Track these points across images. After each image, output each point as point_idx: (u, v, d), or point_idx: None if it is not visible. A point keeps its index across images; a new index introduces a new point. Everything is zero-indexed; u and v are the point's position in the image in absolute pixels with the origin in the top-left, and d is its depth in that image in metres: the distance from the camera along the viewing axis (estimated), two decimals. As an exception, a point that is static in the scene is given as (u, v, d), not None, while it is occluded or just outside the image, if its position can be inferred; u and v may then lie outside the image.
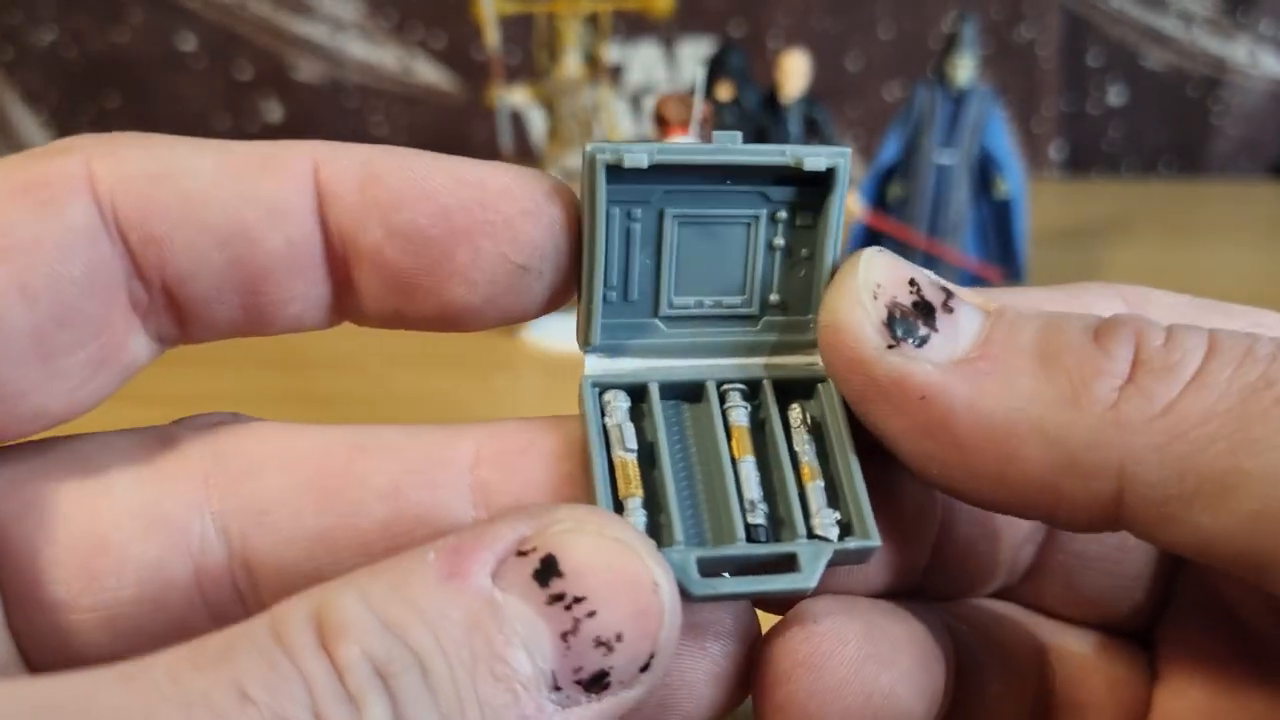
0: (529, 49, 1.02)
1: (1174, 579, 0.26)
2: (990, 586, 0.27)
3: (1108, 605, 0.26)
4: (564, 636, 0.18)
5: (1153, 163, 1.32)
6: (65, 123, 1.29)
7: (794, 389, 0.24)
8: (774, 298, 0.24)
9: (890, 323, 0.21)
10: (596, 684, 0.18)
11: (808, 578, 0.21)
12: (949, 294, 0.22)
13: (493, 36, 0.88)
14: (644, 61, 1.26)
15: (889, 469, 0.24)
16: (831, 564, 0.22)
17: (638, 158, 0.21)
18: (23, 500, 0.21)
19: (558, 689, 0.18)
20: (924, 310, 0.21)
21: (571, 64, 0.90)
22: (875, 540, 0.22)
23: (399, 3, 1.25)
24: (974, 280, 0.84)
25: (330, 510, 0.22)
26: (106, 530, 0.21)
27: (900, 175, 0.85)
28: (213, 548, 0.21)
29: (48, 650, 0.21)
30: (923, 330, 0.21)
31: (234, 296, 0.21)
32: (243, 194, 0.21)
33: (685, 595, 0.20)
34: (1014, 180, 0.83)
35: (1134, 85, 1.28)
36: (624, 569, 0.18)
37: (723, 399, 0.24)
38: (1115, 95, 1.29)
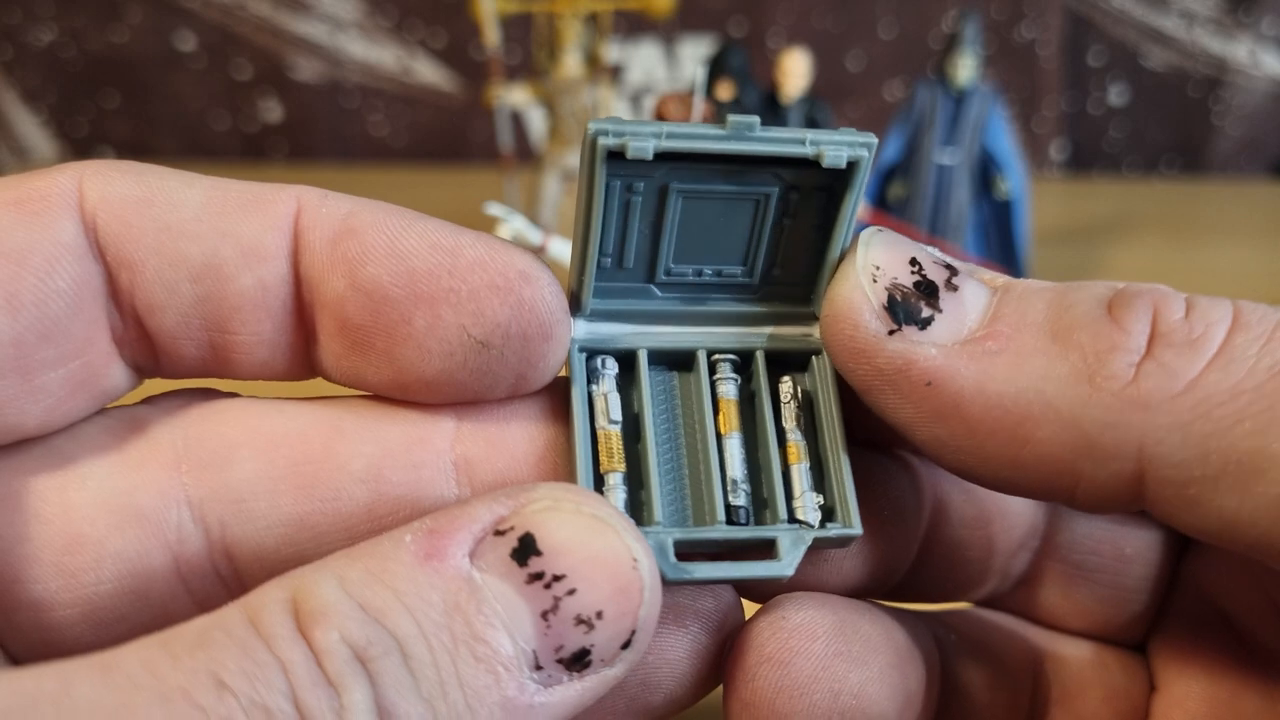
0: (529, 48, 1.01)
1: (1171, 589, 0.26)
2: (980, 591, 0.26)
3: (1104, 615, 0.26)
4: (544, 615, 0.18)
5: (1154, 162, 1.31)
6: (64, 122, 1.29)
7: (788, 360, 0.23)
8: (776, 271, 0.23)
9: (891, 306, 0.20)
10: (578, 662, 0.18)
11: (786, 565, 0.21)
12: (953, 271, 0.21)
13: (492, 36, 0.88)
14: (644, 61, 1.25)
15: (878, 459, 0.23)
16: (811, 550, 0.21)
17: (642, 147, 0.20)
18: None
19: (539, 668, 0.18)
20: (926, 290, 0.21)
21: (571, 63, 0.90)
22: (857, 528, 0.21)
23: (398, 2, 1.24)
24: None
25: (310, 496, 0.21)
26: (81, 526, 0.20)
27: (901, 175, 0.84)
28: (191, 537, 0.21)
29: (30, 645, 0.21)
30: (926, 311, 0.20)
31: (201, 333, 0.21)
32: (222, 230, 0.20)
33: (660, 577, 0.20)
34: (1015, 180, 0.83)
35: (1135, 85, 1.27)
36: (603, 546, 0.18)
37: (712, 370, 0.23)
38: (1116, 95, 1.28)
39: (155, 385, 0.23)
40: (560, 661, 0.18)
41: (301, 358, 0.22)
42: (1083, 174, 1.32)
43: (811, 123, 0.86)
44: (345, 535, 0.21)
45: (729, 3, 1.24)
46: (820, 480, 0.22)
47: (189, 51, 1.25)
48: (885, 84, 1.27)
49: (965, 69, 0.81)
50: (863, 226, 0.22)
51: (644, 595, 0.18)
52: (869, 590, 0.24)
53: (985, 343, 0.20)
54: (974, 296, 0.21)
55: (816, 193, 0.22)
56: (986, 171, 0.83)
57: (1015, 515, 0.25)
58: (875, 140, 0.21)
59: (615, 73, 1.22)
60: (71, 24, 1.24)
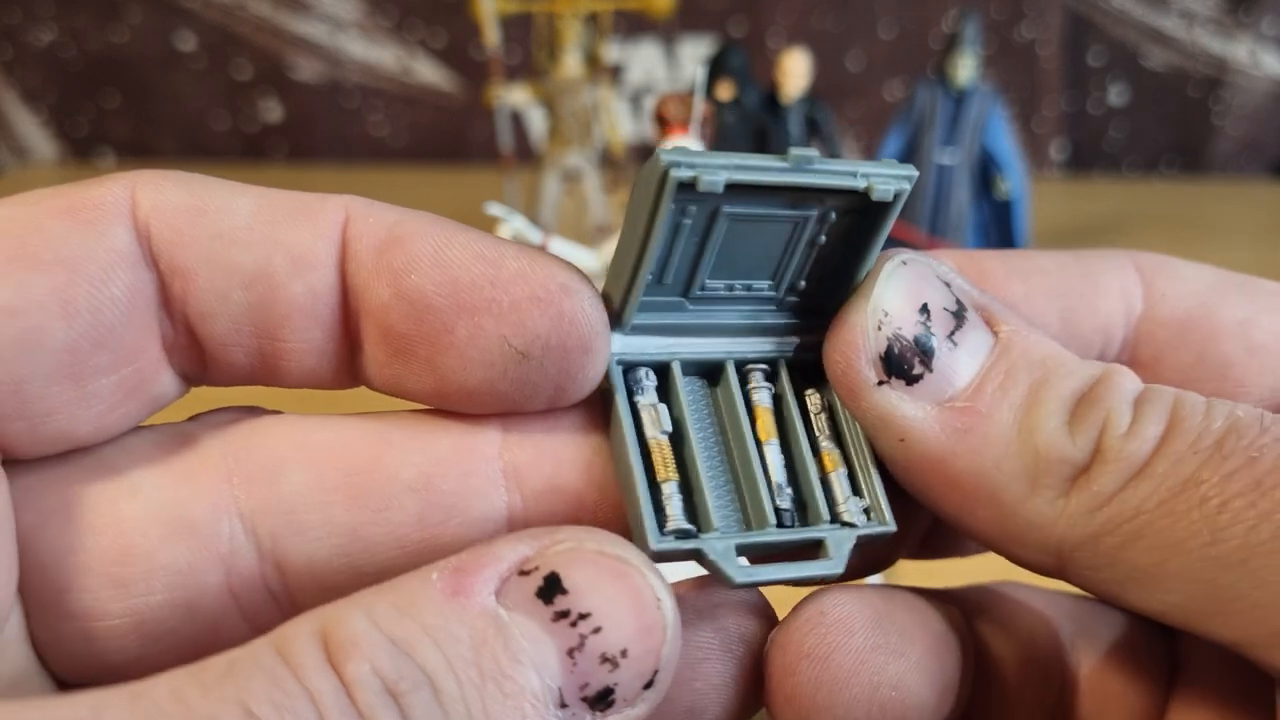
0: (529, 48, 1.01)
1: None
2: None
3: None
4: (570, 653, 0.18)
5: (1154, 162, 1.31)
6: (64, 122, 1.29)
7: (809, 369, 0.24)
8: (802, 285, 0.24)
9: (887, 357, 0.21)
10: (602, 701, 0.18)
11: (837, 564, 0.22)
12: (959, 322, 0.22)
13: (492, 36, 0.88)
14: (644, 61, 1.25)
15: None
16: (854, 548, 0.22)
17: (714, 181, 0.20)
18: (44, 509, 0.21)
19: (564, 706, 0.18)
20: (925, 345, 0.21)
21: (571, 63, 0.90)
22: (891, 525, 0.22)
23: (398, 2, 1.24)
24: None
25: (361, 506, 0.21)
26: (132, 537, 0.21)
27: (901, 175, 0.84)
28: (242, 550, 0.21)
29: (75, 659, 0.21)
30: (917, 369, 0.21)
31: (251, 340, 0.21)
32: (272, 238, 0.21)
33: (727, 582, 0.21)
34: (1015, 180, 0.83)
35: (1135, 85, 1.28)
36: (627, 585, 0.18)
37: (745, 379, 0.24)
38: (1116, 95, 1.29)
39: (201, 397, 0.23)
40: (585, 700, 0.18)
41: (346, 366, 0.22)
42: (1083, 174, 1.32)
43: (811, 123, 0.86)
44: (396, 545, 0.21)
45: (729, 3, 1.24)
46: (856, 485, 0.23)
47: (189, 51, 1.26)
48: (885, 84, 1.27)
49: (965, 69, 0.81)
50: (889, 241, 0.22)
51: (667, 634, 0.19)
52: (892, 556, 0.25)
53: (960, 417, 0.21)
54: (970, 355, 0.22)
55: (851, 215, 0.23)
56: (986, 171, 0.83)
57: None
58: (916, 174, 0.22)
59: (615, 73, 1.22)
60: (71, 24, 1.24)
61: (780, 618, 0.23)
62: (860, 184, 0.21)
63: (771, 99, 0.86)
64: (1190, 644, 0.25)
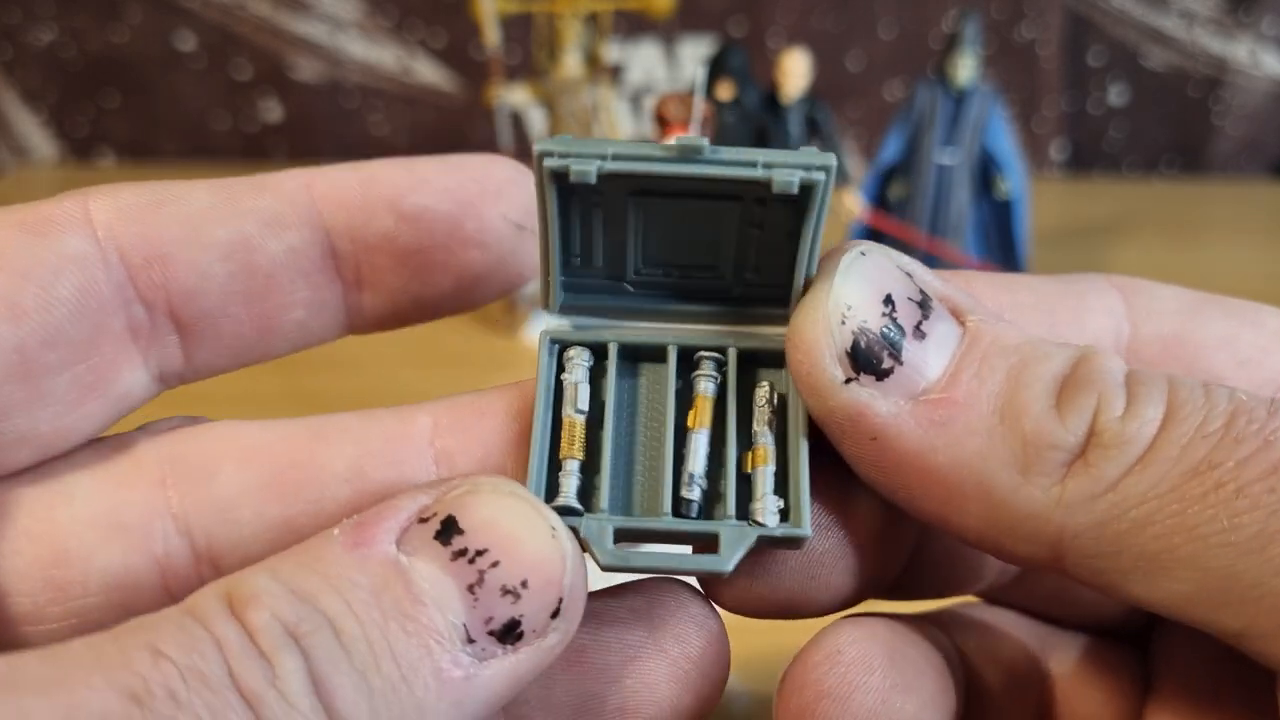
0: (529, 48, 1.01)
1: None
2: (978, 586, 0.27)
3: (1100, 609, 0.26)
4: (471, 589, 0.18)
5: (1154, 162, 1.31)
6: (64, 122, 1.29)
7: (762, 358, 0.24)
8: (750, 275, 0.23)
9: (854, 352, 0.20)
10: (510, 634, 0.18)
11: (725, 561, 0.21)
12: (925, 312, 0.21)
13: (492, 35, 0.88)
14: (644, 61, 1.25)
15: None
16: (756, 550, 0.21)
17: (584, 170, 0.20)
18: None
19: (472, 641, 0.18)
20: (892, 337, 0.21)
21: (571, 63, 0.90)
22: (805, 530, 0.21)
23: (398, 2, 1.24)
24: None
25: (294, 499, 0.22)
26: (68, 541, 0.21)
27: (901, 175, 0.84)
28: (176, 549, 0.22)
29: None
30: (886, 363, 0.20)
31: (241, 308, 0.22)
32: (239, 210, 0.22)
33: (596, 564, 0.21)
34: (1015, 180, 0.83)
35: (1135, 85, 1.27)
36: (521, 520, 0.19)
37: (696, 366, 0.23)
38: (1116, 95, 1.28)
39: (180, 410, 0.24)
40: (492, 634, 0.18)
41: (344, 310, 0.24)
42: (1083, 174, 1.32)
43: (811, 123, 0.86)
44: None
45: (729, 3, 1.24)
46: (783, 484, 0.22)
47: (189, 51, 1.25)
48: (885, 84, 1.27)
49: (965, 69, 0.81)
50: (862, 230, 0.22)
51: (566, 563, 0.19)
52: (865, 593, 0.25)
53: (936, 409, 0.20)
54: (939, 345, 0.21)
55: (785, 203, 0.22)
56: (986, 171, 0.83)
57: None
58: (834, 162, 0.21)
59: (615, 73, 1.22)
60: (71, 24, 1.24)
61: (724, 624, 0.23)
62: (760, 174, 0.20)
63: (771, 99, 0.86)
64: (1163, 656, 0.25)
